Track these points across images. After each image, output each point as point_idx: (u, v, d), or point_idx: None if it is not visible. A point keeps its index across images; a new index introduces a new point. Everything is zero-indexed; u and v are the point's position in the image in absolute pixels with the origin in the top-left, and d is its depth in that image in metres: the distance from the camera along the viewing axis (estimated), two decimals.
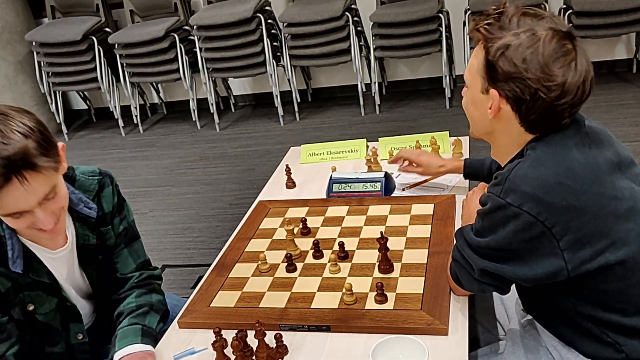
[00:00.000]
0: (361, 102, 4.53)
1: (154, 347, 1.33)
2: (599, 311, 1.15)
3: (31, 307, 1.33)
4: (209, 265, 3.29)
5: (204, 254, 3.12)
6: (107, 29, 4.74)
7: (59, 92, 4.93)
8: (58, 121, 5.02)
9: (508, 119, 1.15)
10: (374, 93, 4.49)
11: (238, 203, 3.58)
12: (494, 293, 1.55)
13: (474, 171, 1.67)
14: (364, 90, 4.53)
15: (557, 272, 1.09)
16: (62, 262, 1.36)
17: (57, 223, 1.22)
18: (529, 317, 1.37)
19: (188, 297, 1.68)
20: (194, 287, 2.88)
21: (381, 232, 1.40)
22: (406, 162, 1.79)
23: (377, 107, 4.54)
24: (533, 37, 1.08)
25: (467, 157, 1.94)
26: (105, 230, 1.41)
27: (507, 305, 1.50)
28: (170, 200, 3.77)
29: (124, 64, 4.67)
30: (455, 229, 1.52)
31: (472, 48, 4.14)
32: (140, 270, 1.49)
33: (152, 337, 1.35)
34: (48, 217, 1.18)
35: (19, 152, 1.08)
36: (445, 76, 4.30)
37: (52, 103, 4.94)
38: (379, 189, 1.76)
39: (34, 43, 4.69)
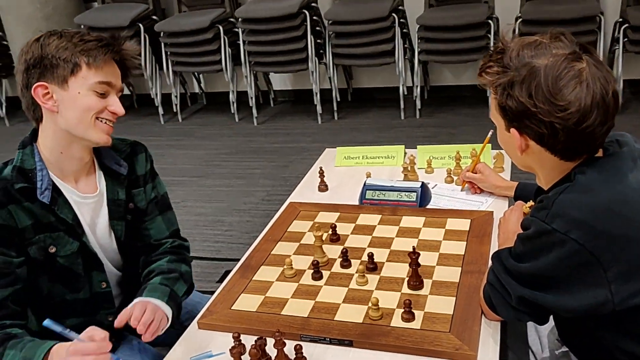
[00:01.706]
0: (401, 106, 4.45)
1: (174, 314, 1.35)
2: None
3: (53, 250, 1.33)
4: (237, 260, 3.27)
5: (232, 249, 3.10)
6: (154, 17, 4.78)
7: None
8: None
9: (539, 152, 1.10)
10: (415, 97, 4.41)
11: (270, 199, 3.56)
12: None
13: (525, 194, 1.58)
14: (405, 93, 4.45)
15: (602, 304, 1.02)
16: (87, 209, 1.40)
17: (112, 127, 1.36)
18: (565, 348, 1.29)
19: (212, 292, 1.66)
20: (220, 281, 2.86)
21: (413, 247, 1.34)
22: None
23: (417, 112, 4.45)
24: (533, 69, 1.04)
25: (509, 172, 1.86)
26: (137, 192, 1.49)
27: (542, 333, 1.43)
28: (203, 192, 3.78)
29: (168, 53, 4.70)
30: (492, 248, 1.46)
31: None
32: (173, 237, 1.55)
33: (177, 303, 1.39)
34: (120, 104, 1.34)
35: (125, 39, 1.35)
36: None
37: None
38: (415, 200, 1.70)
39: (82, 26, 4.75)
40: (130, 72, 1.40)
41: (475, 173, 1.73)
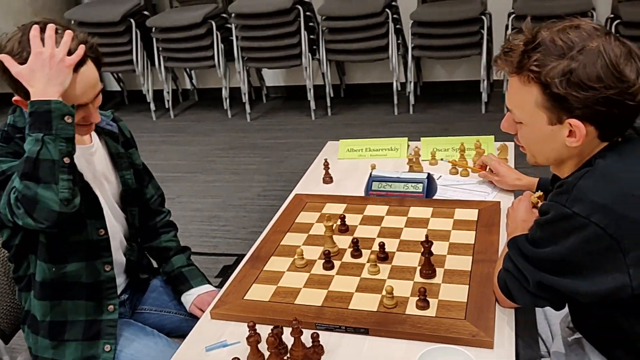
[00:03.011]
0: (395, 101, 4.47)
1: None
2: None
3: None
4: (235, 255, 3.24)
5: (230, 244, 3.09)
6: (145, 12, 4.74)
7: None
8: None
9: (591, 139, 1.08)
10: (409, 93, 4.43)
11: (266, 195, 3.55)
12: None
13: (548, 190, 1.58)
14: (399, 89, 4.46)
15: (620, 289, 1.03)
16: (82, 161, 1.42)
17: (92, 126, 1.41)
18: (576, 335, 1.30)
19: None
20: (218, 276, 2.85)
21: (426, 235, 1.35)
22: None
23: (411, 107, 4.47)
24: (592, 51, 1.01)
25: (512, 163, 1.87)
26: (132, 152, 1.62)
27: (551, 321, 1.44)
28: (198, 188, 3.76)
29: (160, 48, 4.67)
30: (501, 238, 1.47)
31: None
32: (163, 201, 1.75)
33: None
34: (97, 112, 1.37)
35: (91, 42, 1.31)
36: (483, 80, 4.21)
37: None
38: (421, 191, 1.71)
39: (72, 22, 4.70)
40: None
41: (484, 169, 1.73)
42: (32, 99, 1.21)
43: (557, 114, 1.06)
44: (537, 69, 1.04)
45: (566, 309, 1.30)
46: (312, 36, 4.48)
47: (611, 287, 1.03)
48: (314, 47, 4.51)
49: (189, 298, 1.62)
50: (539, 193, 1.46)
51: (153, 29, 4.59)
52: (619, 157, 1.06)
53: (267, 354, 1.17)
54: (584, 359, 1.25)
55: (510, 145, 1.94)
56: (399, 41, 4.38)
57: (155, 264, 1.77)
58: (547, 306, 1.14)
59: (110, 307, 1.46)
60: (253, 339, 1.17)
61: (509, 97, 1.14)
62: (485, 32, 4.07)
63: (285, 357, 1.18)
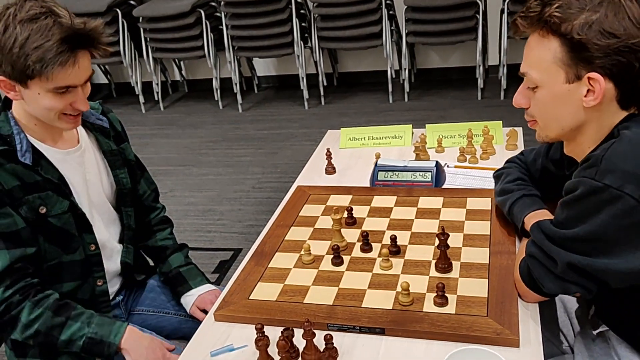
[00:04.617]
0: (390, 89, 4.38)
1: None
2: None
3: (43, 210, 1.29)
4: (232, 250, 3.14)
5: (226, 238, 3.00)
6: (131, 2, 4.61)
7: None
8: None
9: (608, 99, 1.02)
10: (403, 80, 4.34)
11: (261, 187, 3.46)
12: (557, 300, 1.42)
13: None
14: (393, 76, 4.37)
15: None
16: (73, 165, 1.37)
17: (79, 116, 1.32)
18: (601, 328, 1.23)
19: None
20: (215, 271, 2.77)
21: (442, 228, 1.27)
22: None
23: (405, 95, 4.38)
24: (612, 3, 0.98)
25: (523, 149, 1.79)
26: (125, 146, 1.52)
27: (572, 315, 1.37)
28: (191, 181, 3.66)
29: (148, 39, 4.55)
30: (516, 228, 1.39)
31: (509, 37, 3.96)
32: (156, 196, 1.67)
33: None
34: (85, 99, 1.28)
35: (96, 27, 1.22)
36: (479, 66, 4.13)
37: None
38: (430, 180, 1.63)
39: None
40: (99, 55, 1.29)
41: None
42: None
43: (576, 68, 1.01)
44: (559, 17, 1.00)
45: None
46: (303, 24, 4.37)
47: None
48: (306, 35, 4.41)
49: (189, 299, 1.53)
50: None
51: (140, 19, 4.47)
52: None
53: (277, 358, 1.10)
54: (609, 352, 1.18)
55: (520, 130, 1.87)
56: (392, 27, 4.28)
57: (151, 262, 1.69)
58: (576, 291, 1.07)
59: None
60: (262, 342, 1.09)
61: (526, 58, 1.09)
62: (480, 16, 3.98)
63: None
